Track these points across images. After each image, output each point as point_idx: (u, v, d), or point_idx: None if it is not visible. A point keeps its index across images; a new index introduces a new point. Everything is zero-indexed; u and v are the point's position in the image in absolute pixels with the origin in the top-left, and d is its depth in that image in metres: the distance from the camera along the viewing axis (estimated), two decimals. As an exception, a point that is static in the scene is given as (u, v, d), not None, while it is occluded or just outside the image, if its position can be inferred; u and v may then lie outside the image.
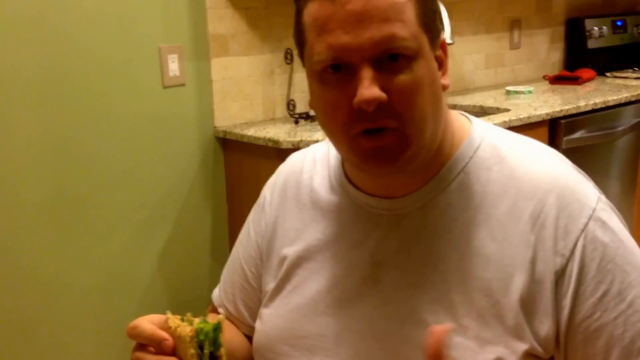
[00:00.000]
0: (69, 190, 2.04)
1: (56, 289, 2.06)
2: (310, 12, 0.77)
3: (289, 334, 0.90)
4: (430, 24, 0.79)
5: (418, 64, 0.76)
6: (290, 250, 0.93)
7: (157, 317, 0.80)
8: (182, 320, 0.77)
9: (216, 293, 1.08)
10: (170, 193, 2.27)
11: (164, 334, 0.77)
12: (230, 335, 1.00)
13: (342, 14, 0.74)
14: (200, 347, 0.75)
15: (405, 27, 0.75)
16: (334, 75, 0.77)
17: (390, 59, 0.75)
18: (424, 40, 0.78)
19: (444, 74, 0.83)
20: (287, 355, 0.90)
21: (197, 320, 0.78)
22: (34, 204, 1.98)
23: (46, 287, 2.04)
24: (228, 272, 1.06)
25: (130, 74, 2.12)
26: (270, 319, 0.93)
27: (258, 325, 0.96)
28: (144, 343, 0.79)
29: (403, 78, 0.75)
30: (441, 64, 0.83)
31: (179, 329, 0.76)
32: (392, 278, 0.85)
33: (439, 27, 0.82)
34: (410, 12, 0.76)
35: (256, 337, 0.95)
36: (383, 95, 0.74)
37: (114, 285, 2.18)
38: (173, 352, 0.77)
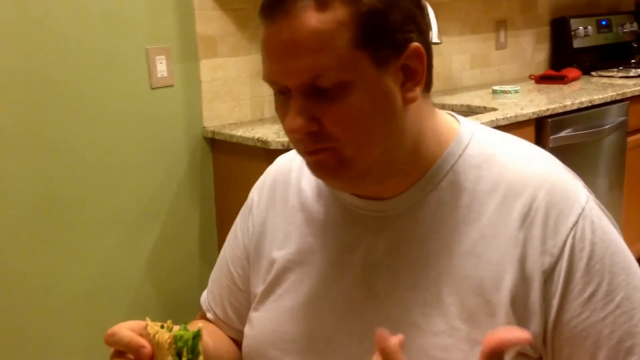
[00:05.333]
0: (55, 193, 2.02)
1: (43, 292, 2.04)
2: (261, 33, 0.78)
3: (280, 338, 0.89)
4: (380, 40, 0.74)
5: (352, 94, 0.73)
6: (280, 253, 0.92)
7: (136, 324, 0.79)
8: (162, 327, 0.76)
9: (204, 297, 1.06)
10: (158, 194, 2.25)
11: (142, 341, 0.76)
12: (217, 342, 0.99)
13: (274, 43, 0.75)
14: (179, 354, 0.75)
15: (334, 56, 0.72)
16: (279, 96, 0.79)
17: (320, 89, 0.74)
18: (363, 63, 0.73)
19: (416, 84, 0.78)
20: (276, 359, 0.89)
21: (176, 328, 0.77)
22: (20, 206, 1.96)
23: (33, 291, 2.02)
24: (216, 275, 1.05)
25: (118, 75, 2.11)
26: (260, 323, 0.92)
27: (247, 329, 0.94)
28: (122, 350, 0.78)
29: (335, 108, 0.74)
30: (413, 74, 0.77)
31: (157, 336, 0.75)
32: (384, 280, 0.84)
33: (406, 36, 0.76)
34: (341, 39, 0.72)
35: (246, 342, 0.94)
36: (309, 125, 0.75)
37: (102, 288, 2.16)
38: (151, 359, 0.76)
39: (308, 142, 0.77)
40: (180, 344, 0.75)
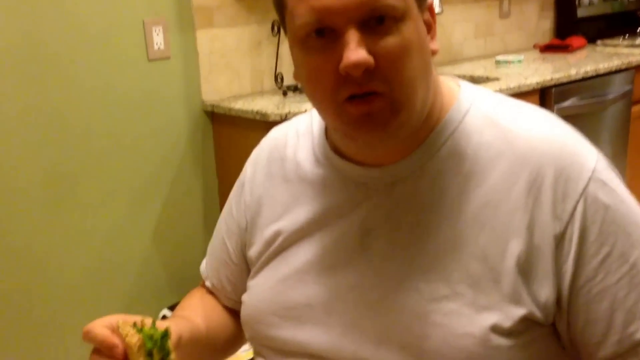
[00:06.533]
0: (56, 168, 2.02)
1: (47, 267, 2.05)
2: None
3: (277, 305, 0.89)
4: None
5: (406, 26, 0.74)
6: (278, 226, 0.92)
7: (115, 319, 0.79)
8: (134, 325, 0.77)
9: (203, 266, 1.07)
10: (160, 169, 2.25)
11: (115, 340, 0.77)
12: (212, 320, 1.00)
13: None
14: (150, 354, 0.76)
15: None
16: (317, 40, 0.74)
17: (376, 21, 0.72)
18: (411, 1, 0.75)
19: (432, 38, 0.81)
20: (276, 326, 0.88)
21: (148, 324, 0.78)
22: (21, 181, 1.96)
23: (37, 265, 2.03)
24: (212, 247, 1.06)
25: (114, 47, 2.09)
26: (258, 291, 0.93)
27: (246, 297, 0.95)
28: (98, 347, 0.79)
29: (391, 40, 0.72)
30: (429, 28, 0.80)
31: (127, 338, 0.76)
32: (383, 247, 0.83)
33: None
34: None
35: (244, 310, 0.94)
36: (370, 58, 0.71)
37: (106, 262, 2.17)
38: (125, 358, 0.77)
39: (361, 82, 0.73)
40: (149, 344, 0.76)
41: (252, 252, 0.95)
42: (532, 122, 0.83)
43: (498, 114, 0.83)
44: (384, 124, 0.76)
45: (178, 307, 1.04)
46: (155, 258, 2.28)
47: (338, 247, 0.86)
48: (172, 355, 0.77)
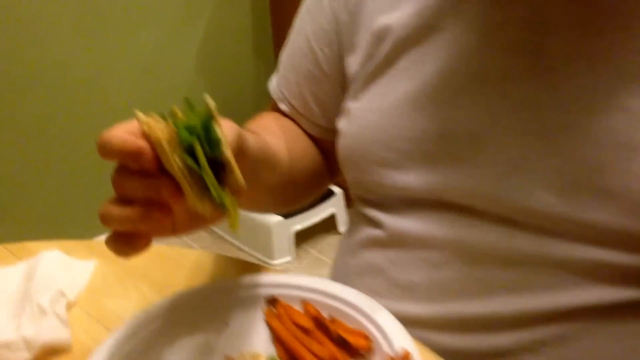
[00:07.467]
0: None
1: (90, 83, 1.99)
2: None
3: (394, 136, 0.64)
4: None
5: None
6: (391, 19, 0.65)
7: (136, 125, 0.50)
8: (162, 117, 0.49)
9: (274, 84, 0.80)
10: None
11: (140, 143, 0.47)
12: (294, 147, 0.76)
13: None
14: (189, 150, 0.46)
15: None
16: None
17: None
18: None
19: None
20: (392, 164, 0.64)
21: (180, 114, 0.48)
22: None
23: (75, 87, 1.96)
24: (290, 56, 0.78)
25: None
26: (364, 116, 0.67)
27: (345, 124, 0.69)
28: (119, 162, 0.49)
29: None
30: None
31: (152, 132, 0.47)
32: (564, 49, 0.57)
33: None
34: None
35: (344, 141, 0.70)
36: None
37: (150, 81, 2.09)
38: (157, 165, 0.48)
39: None
40: (185, 136, 0.47)
41: (354, 59, 0.69)
42: None
43: None
44: None
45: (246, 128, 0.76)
46: (200, 80, 2.18)
47: (490, 50, 0.60)
48: (224, 145, 0.47)
